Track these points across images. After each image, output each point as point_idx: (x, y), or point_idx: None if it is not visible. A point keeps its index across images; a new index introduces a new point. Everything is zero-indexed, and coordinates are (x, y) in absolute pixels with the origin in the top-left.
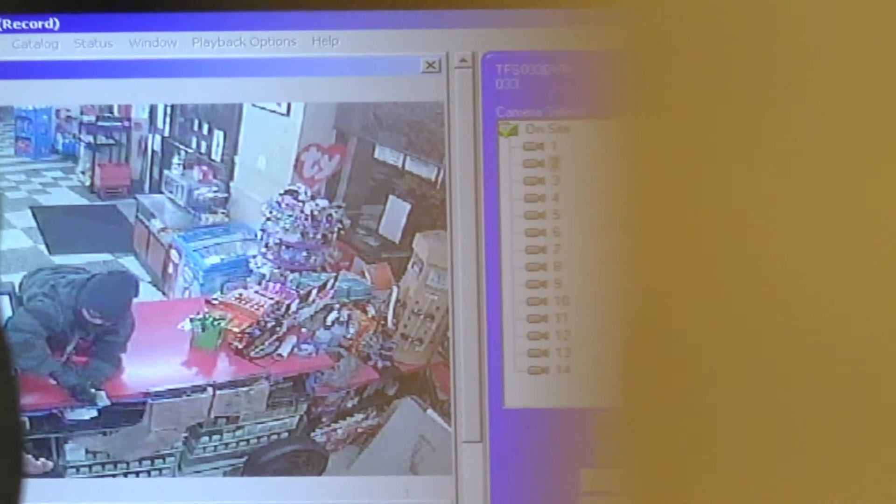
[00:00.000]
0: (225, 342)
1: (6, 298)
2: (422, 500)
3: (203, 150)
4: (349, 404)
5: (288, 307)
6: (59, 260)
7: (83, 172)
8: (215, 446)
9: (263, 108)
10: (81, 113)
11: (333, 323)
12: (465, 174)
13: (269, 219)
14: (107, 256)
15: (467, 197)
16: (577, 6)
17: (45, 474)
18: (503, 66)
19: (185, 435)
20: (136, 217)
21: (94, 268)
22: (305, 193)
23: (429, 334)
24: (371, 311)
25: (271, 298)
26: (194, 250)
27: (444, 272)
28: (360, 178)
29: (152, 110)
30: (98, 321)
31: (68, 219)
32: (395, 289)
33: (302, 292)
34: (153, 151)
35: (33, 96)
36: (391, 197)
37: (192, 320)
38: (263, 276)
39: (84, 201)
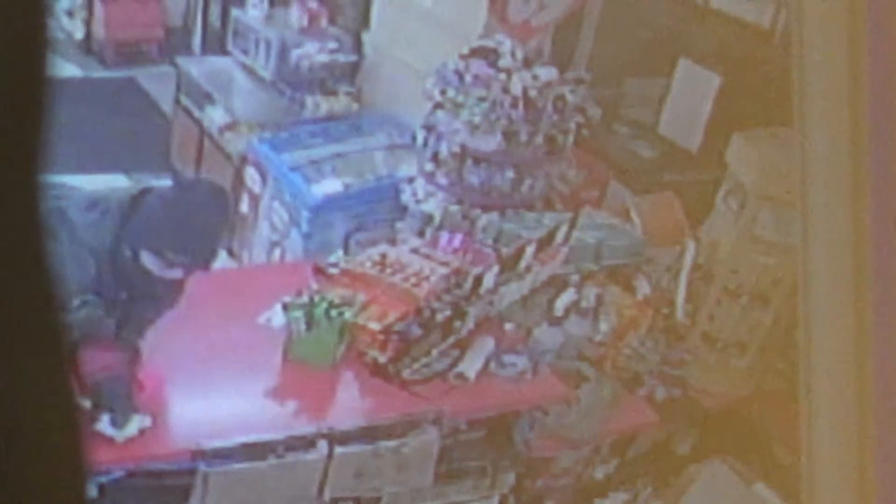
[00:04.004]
0: (353, 351)
1: None
2: None
3: None
4: (599, 474)
5: (478, 281)
6: None
7: (71, 14)
8: None
9: None
10: None
11: (568, 312)
12: (831, 16)
13: (439, 105)
14: (118, 179)
15: (837, 61)
16: None
17: None
18: None
19: None
20: (177, 101)
21: (96, 196)
22: (513, 55)
23: (759, 334)
24: (643, 287)
25: (445, 264)
26: (292, 168)
27: (788, 211)
28: (618, 26)
29: None
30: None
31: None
32: (690, 244)
33: (506, 252)
34: None
35: None
36: (682, 62)
37: (287, 307)
38: (429, 218)
39: (74, 70)
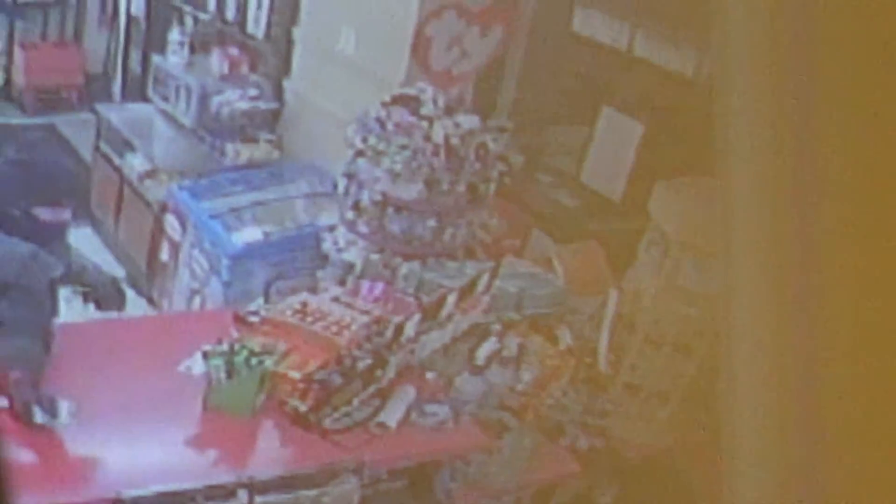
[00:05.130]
0: (274, 400)
1: None
2: None
3: (230, 16)
4: None
5: (399, 330)
6: None
7: None
8: None
9: None
10: None
11: (489, 361)
12: (755, 65)
13: (361, 153)
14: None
15: (760, 109)
16: None
17: None
18: None
19: None
20: (96, 149)
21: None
22: (435, 103)
23: (681, 384)
24: (565, 337)
25: (366, 312)
26: (212, 216)
27: (711, 261)
28: (541, 74)
29: None
30: None
31: None
32: (612, 294)
33: (427, 301)
34: (130, 18)
35: None
36: (605, 109)
37: (207, 355)
38: (350, 267)
39: None
